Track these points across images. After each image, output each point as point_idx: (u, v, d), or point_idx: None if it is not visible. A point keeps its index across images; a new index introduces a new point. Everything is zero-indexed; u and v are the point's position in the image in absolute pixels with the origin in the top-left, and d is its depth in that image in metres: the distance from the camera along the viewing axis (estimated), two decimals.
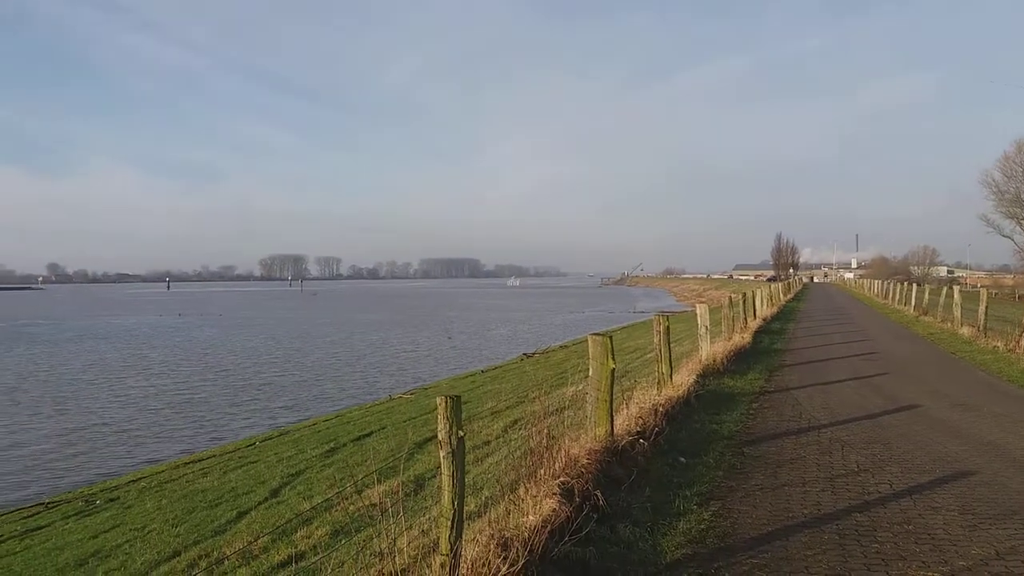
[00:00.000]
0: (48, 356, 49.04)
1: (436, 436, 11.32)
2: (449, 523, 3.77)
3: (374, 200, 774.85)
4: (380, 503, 8.02)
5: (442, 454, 3.85)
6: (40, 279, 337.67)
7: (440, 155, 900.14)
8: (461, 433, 3.84)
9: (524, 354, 37.73)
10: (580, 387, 8.80)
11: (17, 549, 11.47)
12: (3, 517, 15.01)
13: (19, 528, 13.24)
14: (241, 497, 11.07)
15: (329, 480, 10.82)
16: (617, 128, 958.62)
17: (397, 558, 4.05)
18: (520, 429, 10.75)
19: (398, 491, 7.52)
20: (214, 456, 18.54)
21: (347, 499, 8.67)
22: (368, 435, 15.78)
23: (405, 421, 17.20)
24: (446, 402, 3.85)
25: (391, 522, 4.36)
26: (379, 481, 9.39)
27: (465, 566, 3.83)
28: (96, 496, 15.30)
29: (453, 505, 3.78)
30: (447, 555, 3.73)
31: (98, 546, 10.10)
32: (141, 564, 8.21)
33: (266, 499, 10.49)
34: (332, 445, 14.81)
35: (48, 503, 15.67)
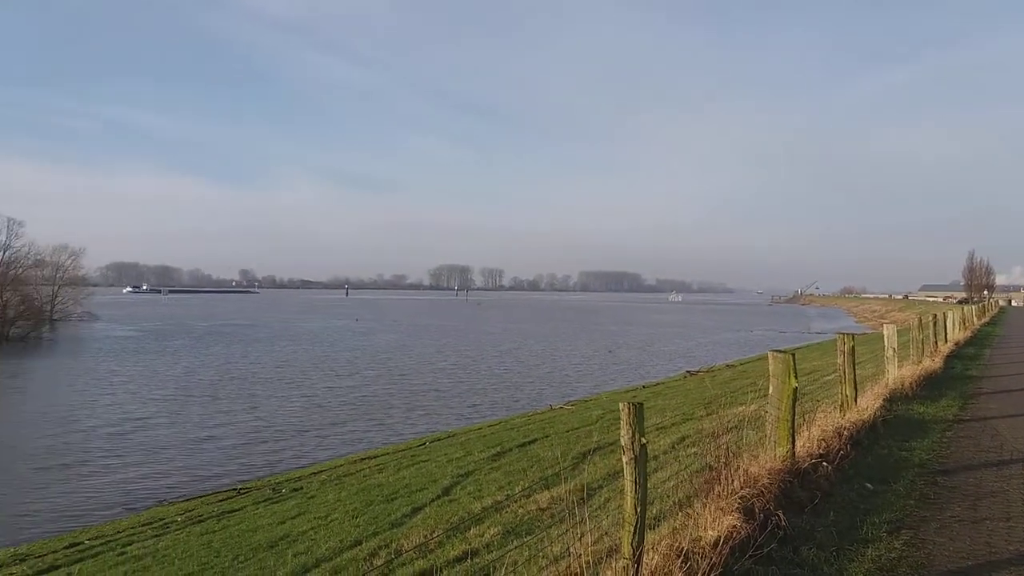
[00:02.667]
0: (242, 355, 53.53)
1: (598, 448, 11.33)
2: (632, 528, 3.79)
3: (537, 213, 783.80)
4: (548, 508, 8.17)
5: (625, 460, 3.88)
6: (234, 282, 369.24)
7: (602, 168, 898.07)
8: (643, 440, 3.85)
9: (688, 372, 36.93)
10: (754, 407, 8.54)
11: (215, 528, 12.56)
12: (202, 499, 16.54)
13: (216, 510, 14.52)
14: (415, 493, 11.56)
15: (497, 483, 11.09)
16: (791, 140, 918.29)
17: (573, 562, 4.11)
18: (689, 447, 10.56)
19: (568, 498, 7.61)
20: (388, 453, 19.49)
21: (516, 502, 8.87)
22: (532, 442, 16.02)
23: (567, 431, 17.31)
24: (629, 409, 3.88)
25: (569, 525, 4.43)
26: (546, 487, 9.54)
27: (645, 572, 3.83)
28: (282, 485, 16.51)
29: (636, 511, 3.79)
30: (629, 559, 3.74)
31: (286, 531, 10.89)
32: (325, 550, 8.77)
33: (438, 497, 10.90)
34: (498, 449, 15.16)
35: (240, 489, 17.11)
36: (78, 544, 12.94)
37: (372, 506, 11.27)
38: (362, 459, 19.09)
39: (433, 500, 10.72)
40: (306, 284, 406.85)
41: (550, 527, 7.19)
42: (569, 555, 4.30)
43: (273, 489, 16.05)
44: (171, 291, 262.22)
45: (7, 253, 73.03)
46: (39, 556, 12.37)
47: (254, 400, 33.02)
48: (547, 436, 16.70)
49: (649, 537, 4.40)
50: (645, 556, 3.92)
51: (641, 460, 3.85)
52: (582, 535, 4.07)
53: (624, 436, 3.87)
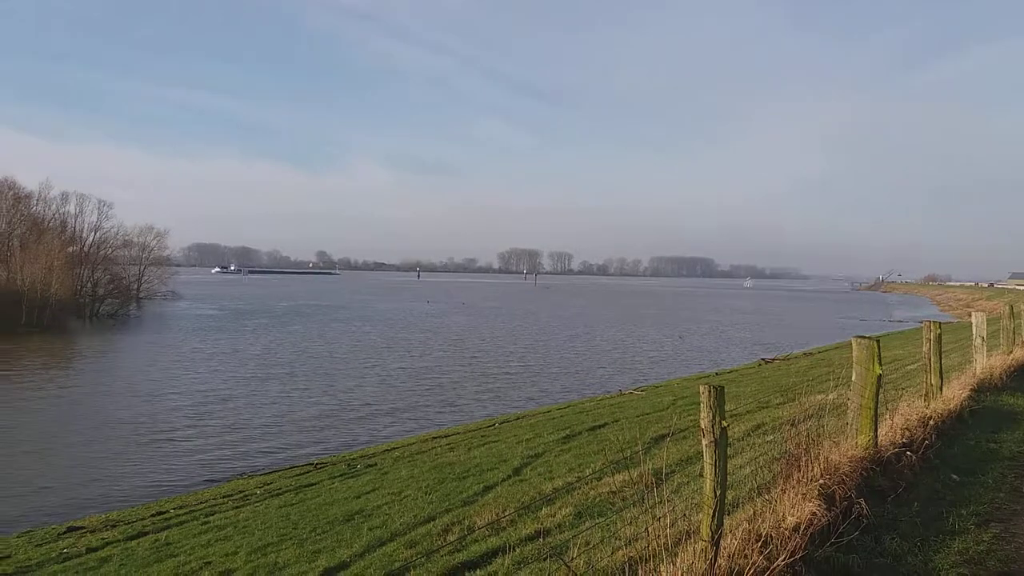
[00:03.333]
0: (319, 335, 54.95)
1: (670, 433, 11.22)
2: (711, 511, 3.76)
3: (607, 198, 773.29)
4: (620, 491, 8.16)
5: (704, 442, 3.85)
6: (311, 264, 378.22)
7: (675, 153, 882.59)
8: (724, 423, 3.81)
9: (762, 359, 36.23)
10: (834, 395, 8.33)
11: (293, 501, 12.97)
12: (280, 473, 17.10)
13: (293, 484, 14.99)
14: (486, 472, 11.70)
15: (568, 465, 11.12)
16: (872, 127, 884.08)
17: (652, 541, 4.10)
18: (764, 434, 10.37)
19: (640, 481, 7.59)
20: (458, 433, 19.76)
21: (587, 484, 8.88)
22: (602, 426, 15.98)
23: (638, 416, 17.20)
24: (709, 391, 3.84)
25: (642, 508, 4.42)
26: (617, 471, 9.52)
27: (724, 555, 3.80)
28: (356, 461, 16.94)
29: (715, 494, 3.76)
30: (708, 542, 3.72)
31: (361, 505, 11.16)
32: (400, 525, 8.95)
33: (509, 476, 11.00)
34: (567, 432, 15.19)
35: (316, 464, 17.63)
36: (164, 512, 13.55)
37: (444, 483, 11.45)
38: (433, 438, 19.40)
39: (504, 480, 10.82)
40: (379, 266, 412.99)
41: (623, 510, 7.18)
42: (644, 536, 4.29)
43: (348, 465, 16.46)
44: (251, 271, 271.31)
45: (97, 234, 76.38)
46: (129, 523, 13.00)
47: (330, 379, 33.87)
48: (617, 421, 16.64)
49: (726, 521, 4.36)
50: (723, 540, 3.89)
51: (721, 443, 3.81)
52: (660, 517, 4.05)
53: (704, 419, 3.84)
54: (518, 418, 21.97)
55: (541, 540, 6.58)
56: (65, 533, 12.81)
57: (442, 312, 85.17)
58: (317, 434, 23.21)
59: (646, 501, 4.86)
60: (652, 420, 15.86)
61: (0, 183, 71.05)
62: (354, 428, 24.00)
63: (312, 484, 14.65)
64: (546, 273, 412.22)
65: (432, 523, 8.62)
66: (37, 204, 73.13)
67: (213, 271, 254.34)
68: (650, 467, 8.52)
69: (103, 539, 11.84)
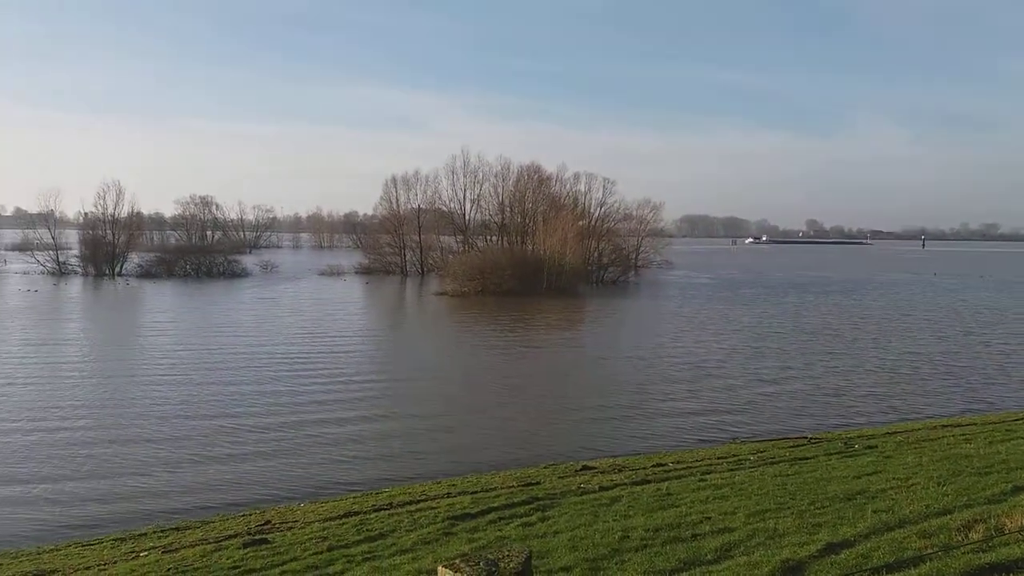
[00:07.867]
0: (815, 307, 53.96)
1: None
2: None
3: None
4: None
5: None
6: (800, 233, 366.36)
7: None
8: None
9: None
10: None
11: (788, 472, 12.93)
12: (773, 443, 17.18)
13: (787, 455, 14.94)
14: (1015, 471, 10.20)
15: None
16: None
17: None
18: None
19: None
20: (974, 424, 17.66)
21: None
22: None
23: None
24: None
25: None
26: None
27: None
28: (854, 440, 16.19)
29: None
30: None
31: (862, 486, 10.64)
32: (908, 512, 8.32)
33: None
34: None
35: (811, 438, 17.33)
36: (663, 465, 14.67)
37: (960, 476, 10.32)
38: (943, 426, 17.66)
39: None
40: (877, 235, 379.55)
41: None
42: None
43: (844, 443, 15.87)
44: (773, 242, 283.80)
45: (602, 209, 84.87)
46: (632, 469, 14.40)
47: (826, 355, 32.84)
48: None
49: None
50: None
51: None
52: None
53: None
54: None
55: None
56: (581, 470, 14.71)
57: (957, 287, 75.51)
58: (808, 408, 22.86)
59: None
60: None
61: (528, 168, 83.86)
62: (848, 407, 23.03)
63: (807, 458, 14.44)
64: None
65: (948, 516, 7.87)
66: (555, 184, 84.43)
67: (746, 242, 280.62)
68: None
69: (612, 480, 13.26)
